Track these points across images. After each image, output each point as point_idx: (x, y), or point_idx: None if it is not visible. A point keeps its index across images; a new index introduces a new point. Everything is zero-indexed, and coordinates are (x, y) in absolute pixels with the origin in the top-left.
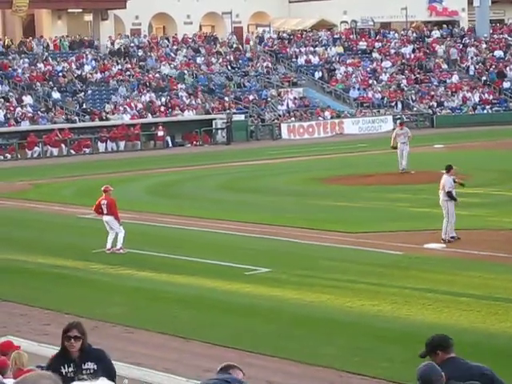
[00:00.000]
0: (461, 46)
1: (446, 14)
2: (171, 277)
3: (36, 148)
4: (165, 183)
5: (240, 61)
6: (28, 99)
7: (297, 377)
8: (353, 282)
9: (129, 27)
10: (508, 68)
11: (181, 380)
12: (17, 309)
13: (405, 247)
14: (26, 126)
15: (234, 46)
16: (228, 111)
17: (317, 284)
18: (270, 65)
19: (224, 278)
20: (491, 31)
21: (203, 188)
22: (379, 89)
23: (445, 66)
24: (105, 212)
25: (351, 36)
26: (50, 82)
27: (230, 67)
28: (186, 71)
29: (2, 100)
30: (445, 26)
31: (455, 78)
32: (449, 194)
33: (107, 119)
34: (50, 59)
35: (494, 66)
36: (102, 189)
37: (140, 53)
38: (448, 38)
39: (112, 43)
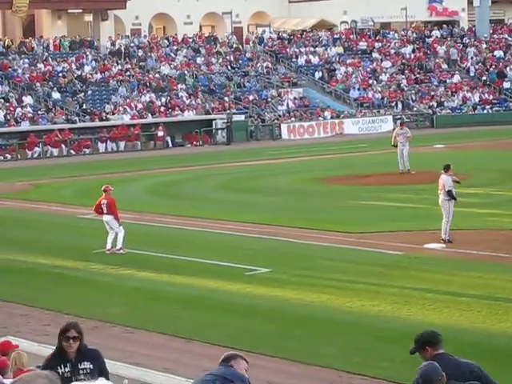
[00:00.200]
0: (461, 46)
1: (446, 14)
2: (171, 277)
3: (36, 148)
4: (165, 183)
5: (240, 61)
6: (28, 99)
7: (297, 377)
8: (353, 282)
9: (129, 27)
10: (508, 68)
11: (181, 380)
12: (17, 309)
13: (405, 247)
14: (26, 126)
15: (234, 46)
16: (228, 111)
17: (317, 284)
18: (270, 65)
19: (224, 278)
20: (491, 31)
21: (203, 188)
22: (379, 89)
23: (445, 66)
24: (105, 212)
25: (351, 36)
26: (50, 83)
27: (229, 67)
28: (186, 72)
29: (2, 100)
30: (445, 26)
31: (456, 78)
32: (449, 193)
33: (107, 119)
34: (50, 59)
35: (493, 66)
36: (102, 188)
37: (140, 53)
38: (448, 38)
39: (112, 43)
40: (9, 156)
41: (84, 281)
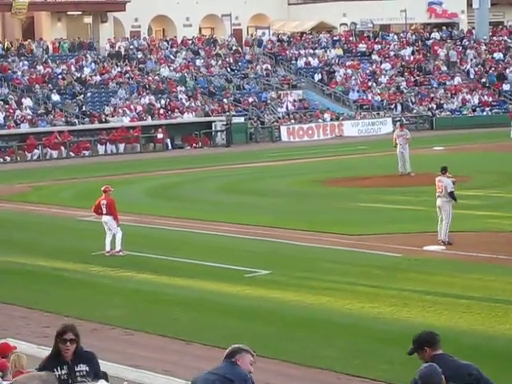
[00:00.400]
0: (460, 48)
1: (445, 16)
2: (171, 279)
3: (35, 150)
4: (164, 185)
5: (239, 63)
6: (27, 102)
7: (297, 379)
8: (352, 284)
9: (128, 30)
10: (507, 70)
11: (180, 382)
12: (16, 311)
13: (404, 249)
14: (25, 128)
15: (234, 48)
16: (227, 113)
17: (316, 286)
18: (269, 67)
19: (224, 281)
20: (491, 33)
21: (203, 190)
22: (379, 91)
23: (444, 68)
24: (104, 212)
25: (351, 38)
26: (50, 85)
27: (229, 69)
28: (186, 74)
29: (2, 102)
30: (444, 28)
31: (457, 81)
32: (452, 195)
33: (107, 122)
34: (49, 62)
35: (493, 68)
36: (102, 189)
37: (139, 55)
38: (447, 40)
39: (111, 46)
40: (8, 158)
41: (83, 283)
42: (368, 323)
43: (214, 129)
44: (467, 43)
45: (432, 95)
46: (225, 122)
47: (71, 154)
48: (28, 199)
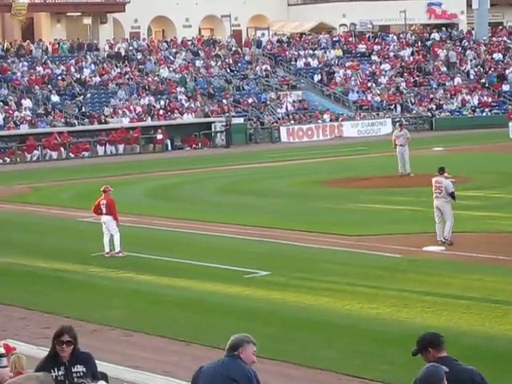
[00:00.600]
0: (460, 49)
1: (444, 16)
2: (170, 280)
3: (35, 151)
4: (164, 186)
5: (239, 64)
6: (27, 103)
7: (297, 380)
8: (352, 284)
9: (128, 30)
10: (507, 71)
11: (180, 383)
12: (16, 312)
13: (403, 250)
14: (25, 129)
15: (233, 49)
16: (227, 114)
17: (316, 287)
18: (269, 68)
19: (223, 281)
20: (490, 34)
21: (202, 191)
22: (378, 91)
23: (444, 69)
24: (104, 212)
25: (350, 39)
26: (49, 86)
27: (228, 70)
28: (187, 75)
29: (1, 103)
30: (444, 28)
31: (456, 81)
32: (453, 195)
33: (106, 122)
34: (49, 63)
35: (492, 69)
36: (102, 189)
37: (139, 56)
38: (447, 41)
39: (110, 47)
40: (8, 159)
41: (83, 284)
42: (367, 324)
43: (213, 130)
44: (467, 44)
45: (431, 96)
46: (224, 123)
47: (71, 154)
48: (28, 200)
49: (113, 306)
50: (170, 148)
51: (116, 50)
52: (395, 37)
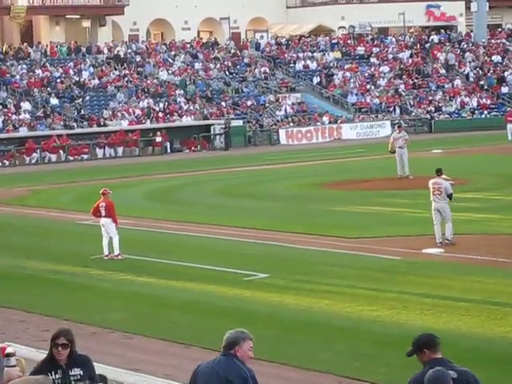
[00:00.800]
0: (459, 51)
1: (443, 19)
2: (170, 283)
3: (34, 154)
4: (163, 189)
5: (238, 66)
6: (26, 105)
7: (296, 382)
8: (351, 287)
9: (127, 33)
10: (506, 73)
11: None
12: (16, 315)
13: (403, 252)
14: (24, 132)
15: (232, 51)
16: (226, 117)
17: (315, 289)
18: (267, 70)
19: (223, 284)
20: (489, 36)
21: (202, 193)
22: (377, 94)
23: (443, 71)
24: (103, 214)
25: (349, 41)
26: (48, 88)
27: (227, 73)
28: (186, 78)
29: (0, 106)
30: (443, 31)
31: (456, 83)
32: (451, 196)
33: (105, 125)
34: (47, 65)
35: (491, 71)
36: (101, 191)
37: (138, 59)
38: (446, 43)
39: (109, 49)
40: (7, 162)
41: (83, 286)
42: (367, 326)
43: (212, 132)
44: (465, 46)
45: (430, 98)
46: (223, 126)
47: (70, 157)
48: (27, 203)
49: (112, 309)
50: (169, 150)
51: (115, 52)
52: (394, 39)
